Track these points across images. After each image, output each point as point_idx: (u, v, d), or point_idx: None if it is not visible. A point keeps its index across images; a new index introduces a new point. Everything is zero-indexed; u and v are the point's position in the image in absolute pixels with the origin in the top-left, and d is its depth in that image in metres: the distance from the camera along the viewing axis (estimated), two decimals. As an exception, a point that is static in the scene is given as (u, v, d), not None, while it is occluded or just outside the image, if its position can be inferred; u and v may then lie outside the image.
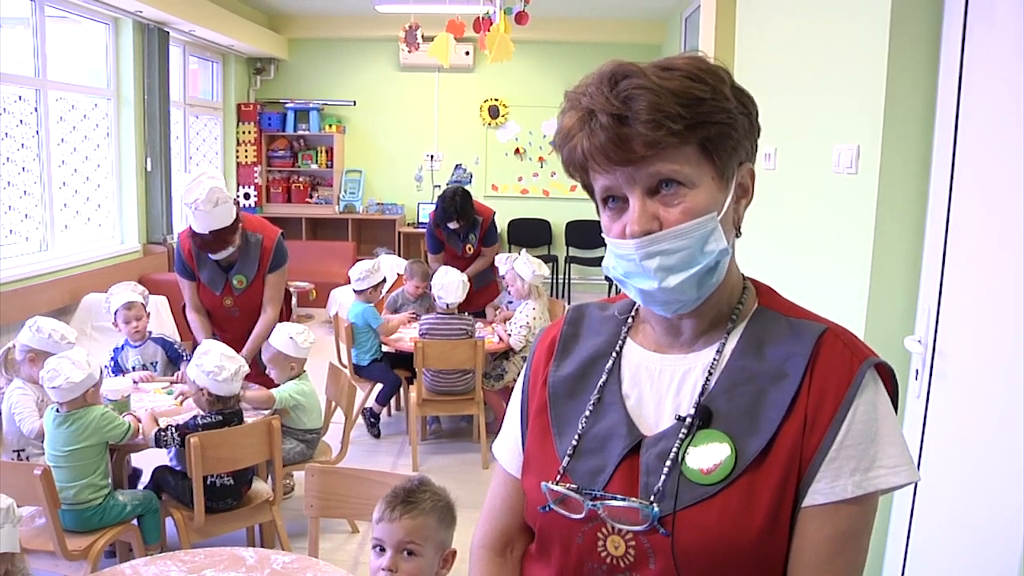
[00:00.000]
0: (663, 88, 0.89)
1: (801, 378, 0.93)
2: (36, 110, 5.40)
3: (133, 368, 3.71)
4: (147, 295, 3.83)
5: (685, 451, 0.95)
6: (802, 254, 2.89)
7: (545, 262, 4.91)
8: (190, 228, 3.57)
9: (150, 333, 3.78)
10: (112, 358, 3.74)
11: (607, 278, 8.41)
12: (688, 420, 0.96)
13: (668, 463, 0.95)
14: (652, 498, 0.94)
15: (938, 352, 2.18)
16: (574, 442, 1.02)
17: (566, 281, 8.81)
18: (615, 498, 0.96)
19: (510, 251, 8.60)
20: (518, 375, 4.52)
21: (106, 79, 6.26)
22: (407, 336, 4.67)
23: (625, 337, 1.08)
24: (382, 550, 1.62)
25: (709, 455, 0.93)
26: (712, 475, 0.92)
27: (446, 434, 4.94)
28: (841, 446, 0.91)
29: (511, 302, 5.00)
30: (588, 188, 1.01)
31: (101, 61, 6.23)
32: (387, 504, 1.63)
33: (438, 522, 1.64)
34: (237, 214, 3.54)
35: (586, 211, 9.06)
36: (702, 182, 0.93)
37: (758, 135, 0.99)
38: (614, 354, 1.06)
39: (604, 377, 1.05)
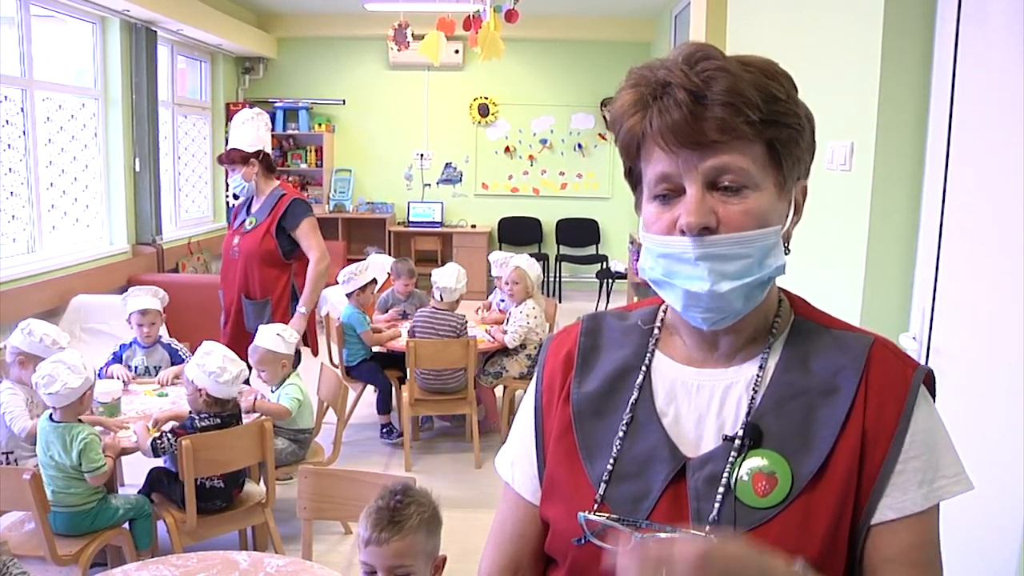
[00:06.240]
0: (743, 76, 0.85)
1: (855, 392, 0.89)
2: (22, 110, 5.34)
3: (135, 368, 3.71)
4: (166, 298, 3.83)
5: (737, 474, 0.88)
6: (795, 251, 2.89)
7: (536, 260, 4.91)
8: None
9: (160, 338, 3.79)
10: (116, 352, 3.74)
11: (598, 276, 8.44)
12: (737, 440, 0.90)
13: (721, 488, 0.88)
14: (708, 527, 0.87)
15: (933, 349, 2.18)
16: (609, 466, 0.93)
17: (557, 279, 8.80)
18: (666, 529, 0.87)
19: (500, 250, 8.61)
20: (518, 374, 4.46)
21: (93, 79, 6.20)
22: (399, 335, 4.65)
23: (654, 349, 0.99)
24: (373, 573, 1.59)
25: (763, 477, 0.88)
26: (768, 498, 0.87)
27: (439, 433, 4.92)
28: (907, 458, 0.87)
29: (503, 300, 4.99)
30: (634, 177, 0.94)
31: (88, 61, 6.17)
32: (373, 526, 1.58)
33: (426, 535, 1.62)
34: (260, 152, 4.04)
35: (576, 209, 9.07)
36: (765, 187, 0.88)
37: (814, 154, 0.95)
38: (644, 368, 0.98)
39: (635, 393, 0.96)
